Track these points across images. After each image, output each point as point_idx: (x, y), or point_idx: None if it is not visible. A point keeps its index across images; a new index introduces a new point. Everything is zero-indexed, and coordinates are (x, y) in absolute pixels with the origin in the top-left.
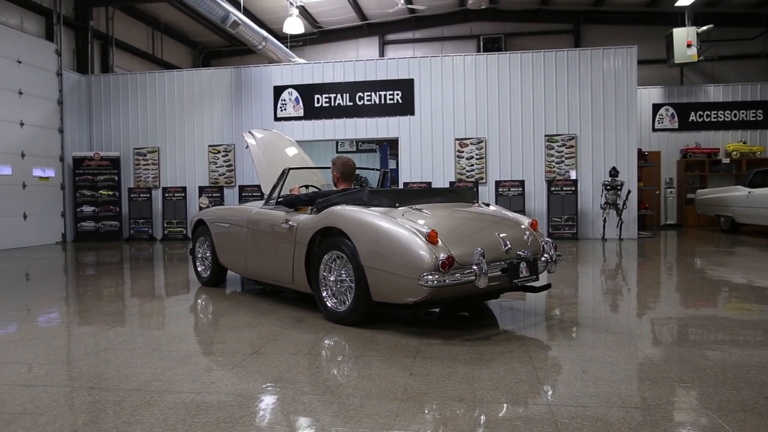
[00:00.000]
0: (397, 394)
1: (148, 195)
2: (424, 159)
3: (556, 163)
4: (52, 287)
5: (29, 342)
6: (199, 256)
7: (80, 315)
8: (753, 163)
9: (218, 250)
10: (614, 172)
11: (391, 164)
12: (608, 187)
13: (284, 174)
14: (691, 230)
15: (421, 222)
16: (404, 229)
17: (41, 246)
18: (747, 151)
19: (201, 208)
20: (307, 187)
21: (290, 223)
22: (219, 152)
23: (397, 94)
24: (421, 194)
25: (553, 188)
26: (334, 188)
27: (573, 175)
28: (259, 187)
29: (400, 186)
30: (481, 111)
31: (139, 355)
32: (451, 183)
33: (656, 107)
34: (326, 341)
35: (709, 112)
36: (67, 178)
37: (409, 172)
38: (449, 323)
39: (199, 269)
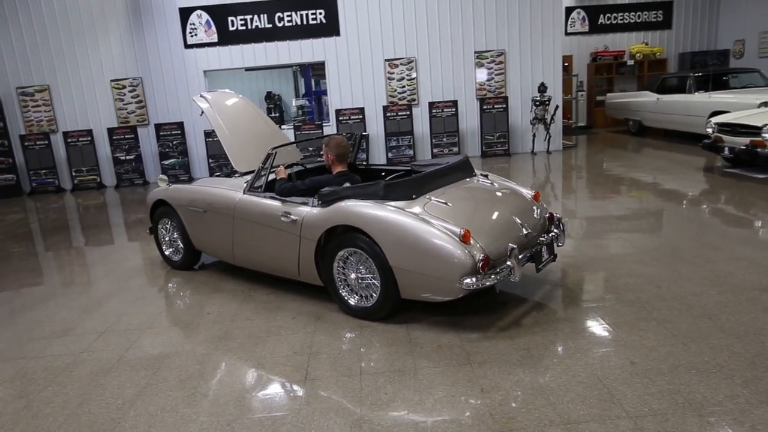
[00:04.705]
0: (490, 424)
1: (46, 141)
2: (353, 82)
3: (487, 80)
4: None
5: None
6: (166, 239)
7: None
8: (653, 64)
9: (192, 236)
10: (543, 88)
11: (315, 86)
12: (537, 103)
13: (270, 157)
14: (601, 132)
15: (447, 218)
16: (436, 229)
17: None
18: (649, 53)
19: (157, 187)
20: (291, 166)
21: (292, 217)
22: (125, 87)
23: (320, 13)
24: (431, 178)
25: (485, 106)
26: (324, 167)
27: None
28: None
29: (332, 115)
30: (409, 29)
31: (169, 406)
32: (384, 107)
33: (569, 10)
34: (367, 352)
35: (616, 15)
36: None
37: (339, 97)
38: (467, 302)
39: (166, 253)
